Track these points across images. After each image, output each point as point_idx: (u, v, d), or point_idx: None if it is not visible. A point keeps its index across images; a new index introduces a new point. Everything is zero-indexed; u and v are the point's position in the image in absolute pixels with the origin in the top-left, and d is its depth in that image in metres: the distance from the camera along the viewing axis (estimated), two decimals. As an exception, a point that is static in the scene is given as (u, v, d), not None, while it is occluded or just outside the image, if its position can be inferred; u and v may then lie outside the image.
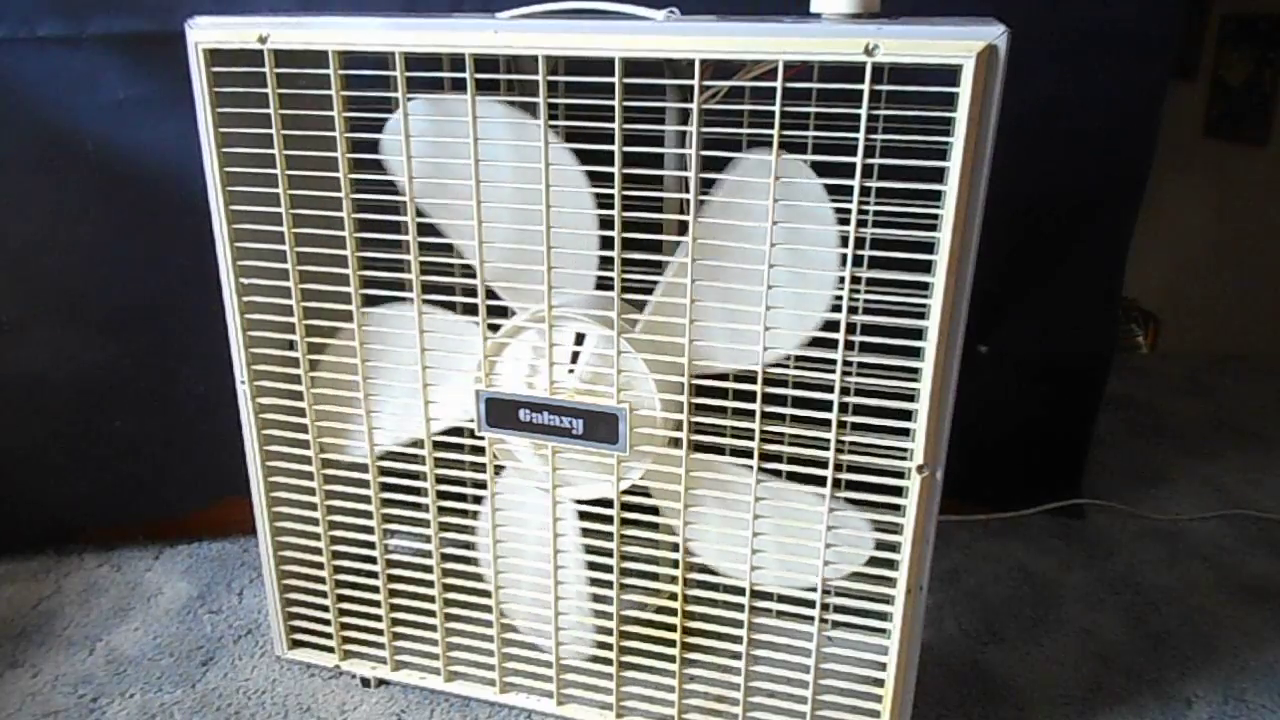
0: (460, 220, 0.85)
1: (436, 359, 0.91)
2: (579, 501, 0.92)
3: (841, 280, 0.77)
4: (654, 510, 0.91)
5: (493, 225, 0.84)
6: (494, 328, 0.88)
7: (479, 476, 0.97)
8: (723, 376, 0.84)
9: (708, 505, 0.88)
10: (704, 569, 0.91)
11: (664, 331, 0.84)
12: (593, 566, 0.95)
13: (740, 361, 0.82)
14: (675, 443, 0.86)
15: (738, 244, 0.79)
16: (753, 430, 0.84)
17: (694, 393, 0.85)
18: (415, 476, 0.96)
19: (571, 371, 0.87)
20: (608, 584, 0.93)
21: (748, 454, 0.85)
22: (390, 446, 0.96)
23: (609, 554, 0.92)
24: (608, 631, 0.95)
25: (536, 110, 0.79)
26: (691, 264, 0.80)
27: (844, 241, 0.76)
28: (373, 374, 0.93)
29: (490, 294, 0.87)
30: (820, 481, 0.83)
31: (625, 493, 0.89)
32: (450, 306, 0.91)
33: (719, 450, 0.89)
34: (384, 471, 0.97)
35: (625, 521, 0.90)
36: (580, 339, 0.87)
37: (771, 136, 0.75)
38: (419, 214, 0.86)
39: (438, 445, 0.94)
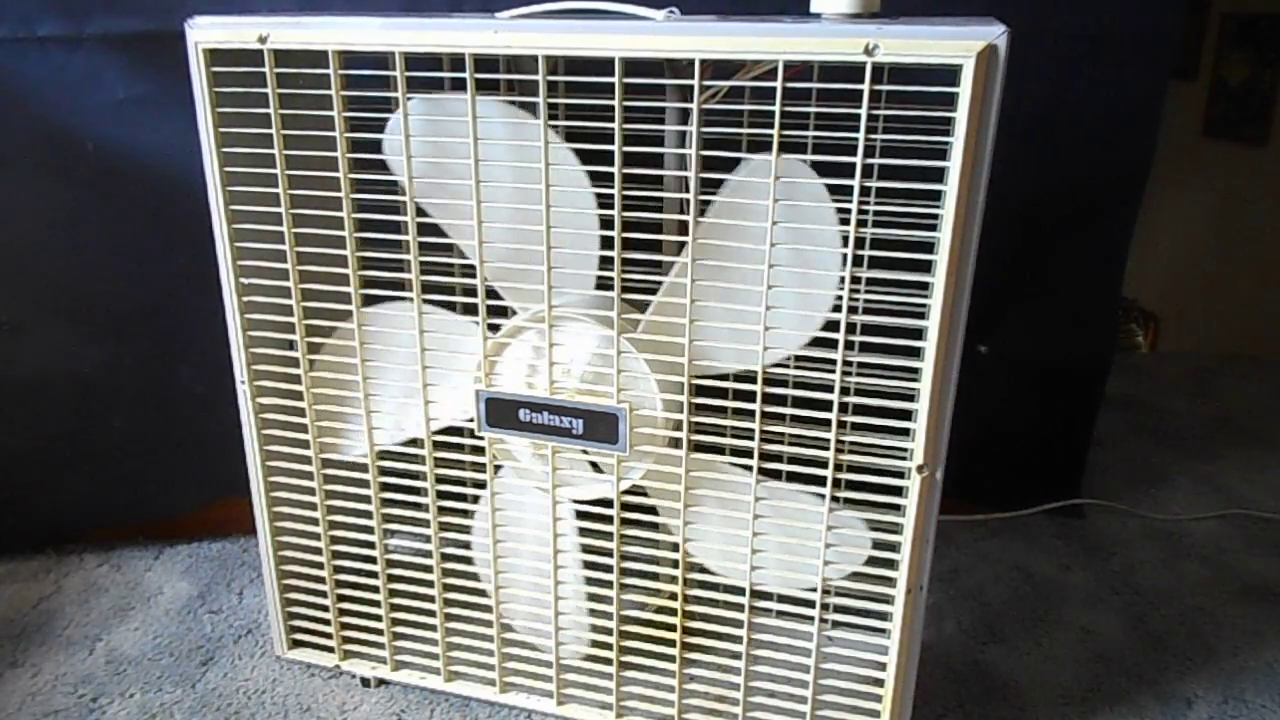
0: (460, 220, 0.85)
1: (436, 359, 0.91)
2: (577, 501, 0.92)
3: (842, 280, 0.77)
4: (653, 510, 0.91)
5: (492, 225, 0.84)
6: (494, 328, 0.88)
7: (479, 476, 0.97)
8: (723, 377, 0.84)
9: (707, 506, 0.88)
10: (704, 569, 0.91)
11: (665, 332, 0.84)
12: (592, 566, 0.95)
13: (742, 362, 0.82)
14: (675, 443, 0.86)
15: (739, 244, 0.79)
16: (752, 430, 0.84)
17: (694, 393, 0.85)
18: (415, 476, 0.96)
19: (568, 373, 0.87)
20: (608, 584, 0.93)
21: (747, 454, 0.85)
22: (389, 445, 0.95)
23: (608, 554, 0.92)
24: (608, 631, 0.95)
25: (536, 109, 0.79)
26: (692, 264, 0.80)
27: (845, 241, 0.76)
28: (371, 372, 0.93)
29: (491, 293, 0.88)
30: (820, 482, 0.83)
31: (625, 493, 0.89)
32: (450, 306, 0.91)
33: (719, 450, 0.89)
34: (384, 471, 0.97)
35: (625, 521, 0.90)
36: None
37: (771, 136, 0.75)
38: (420, 213, 0.86)
39: (437, 445, 0.94)
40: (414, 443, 0.94)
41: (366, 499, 0.98)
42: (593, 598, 0.96)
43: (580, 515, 0.94)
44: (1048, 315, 1.33)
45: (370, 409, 0.94)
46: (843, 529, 0.85)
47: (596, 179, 0.81)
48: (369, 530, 0.99)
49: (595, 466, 0.91)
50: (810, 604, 0.88)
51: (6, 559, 1.29)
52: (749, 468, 0.85)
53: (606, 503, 0.90)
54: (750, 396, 0.83)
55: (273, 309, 0.93)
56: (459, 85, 0.81)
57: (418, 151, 0.84)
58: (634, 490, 0.90)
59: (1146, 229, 1.34)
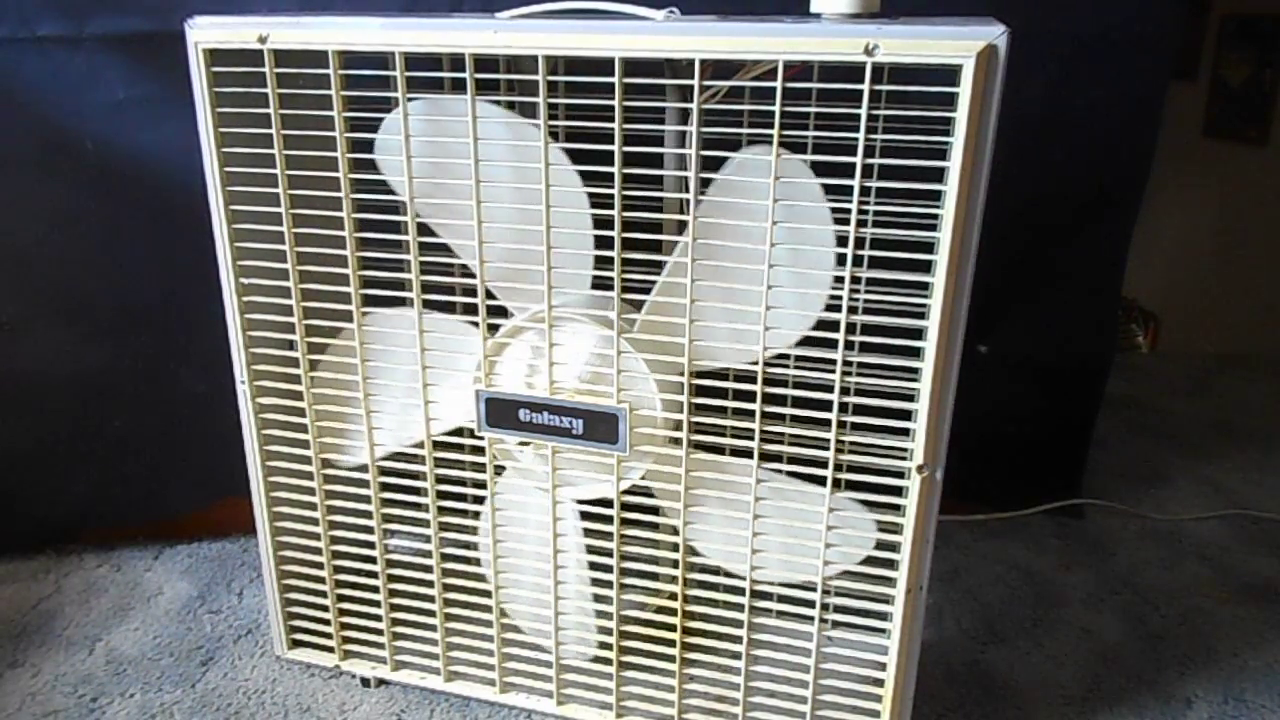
0: (459, 221, 0.85)
1: (436, 360, 0.91)
2: (580, 501, 0.92)
3: (839, 280, 0.77)
4: (654, 510, 0.91)
5: (491, 226, 0.85)
6: (493, 328, 0.88)
7: (480, 476, 0.97)
8: (723, 375, 0.84)
9: (709, 505, 0.88)
10: (705, 569, 0.91)
11: (663, 330, 0.84)
12: (593, 566, 0.95)
13: (739, 359, 0.82)
14: (676, 442, 0.86)
15: (737, 244, 0.79)
16: (753, 430, 0.84)
17: (694, 392, 0.85)
18: (415, 477, 0.96)
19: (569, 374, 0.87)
20: (608, 584, 0.93)
21: (748, 454, 0.85)
22: (391, 448, 0.95)
23: (609, 554, 0.92)
24: (608, 631, 0.95)
25: (535, 111, 0.79)
26: (691, 263, 0.80)
27: (841, 241, 0.76)
28: (373, 376, 0.93)
29: (489, 295, 0.88)
30: (821, 482, 0.83)
31: (625, 492, 0.89)
32: (450, 308, 0.91)
33: (719, 450, 0.89)
34: (384, 471, 0.97)
35: (625, 521, 0.90)
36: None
37: (771, 136, 0.75)
38: (416, 216, 0.86)
39: (438, 446, 0.94)
40: (416, 445, 0.94)
41: (366, 499, 0.98)
42: (594, 598, 0.96)
43: (582, 515, 0.94)
44: (1048, 315, 1.33)
45: (371, 413, 0.94)
46: (845, 514, 0.85)
47: (596, 179, 0.81)
48: (369, 530, 0.99)
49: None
50: (810, 604, 0.88)
51: (6, 559, 1.29)
52: (750, 466, 0.85)
53: (607, 502, 0.90)
54: (750, 397, 0.83)
55: (273, 309, 0.93)
56: (459, 85, 0.81)
57: (416, 153, 0.84)
58: (634, 489, 0.90)
59: (1146, 229, 1.34)
